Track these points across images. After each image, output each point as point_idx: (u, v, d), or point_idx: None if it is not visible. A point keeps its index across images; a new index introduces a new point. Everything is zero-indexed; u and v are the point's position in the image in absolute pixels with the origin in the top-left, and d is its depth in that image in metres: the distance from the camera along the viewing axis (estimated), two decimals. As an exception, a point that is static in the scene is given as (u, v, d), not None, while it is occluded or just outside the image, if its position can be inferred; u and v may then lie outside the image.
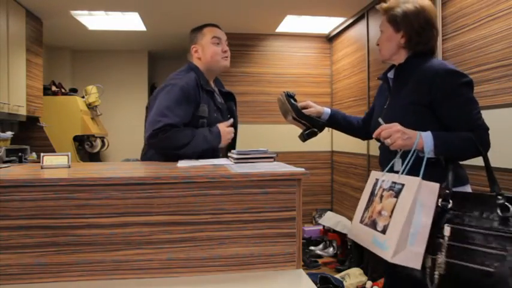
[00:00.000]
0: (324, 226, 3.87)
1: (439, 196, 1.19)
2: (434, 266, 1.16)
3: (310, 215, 4.35)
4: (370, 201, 1.32)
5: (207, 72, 1.91)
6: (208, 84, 1.88)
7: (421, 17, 1.41)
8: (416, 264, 1.14)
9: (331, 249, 3.72)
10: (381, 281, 2.77)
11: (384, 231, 1.19)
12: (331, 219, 3.81)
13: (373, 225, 1.24)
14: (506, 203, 1.11)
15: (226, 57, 1.93)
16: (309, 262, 3.41)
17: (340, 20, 3.88)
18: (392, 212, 1.19)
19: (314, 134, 1.73)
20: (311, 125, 1.73)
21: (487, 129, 1.35)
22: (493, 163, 1.98)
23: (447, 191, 1.20)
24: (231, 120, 1.87)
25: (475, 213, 1.15)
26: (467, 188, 1.44)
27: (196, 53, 1.91)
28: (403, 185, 1.21)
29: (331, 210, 4.34)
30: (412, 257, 1.14)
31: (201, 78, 1.85)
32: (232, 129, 1.84)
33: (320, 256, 3.66)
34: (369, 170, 3.38)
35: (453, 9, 2.36)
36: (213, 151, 1.81)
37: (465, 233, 1.14)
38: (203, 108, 1.81)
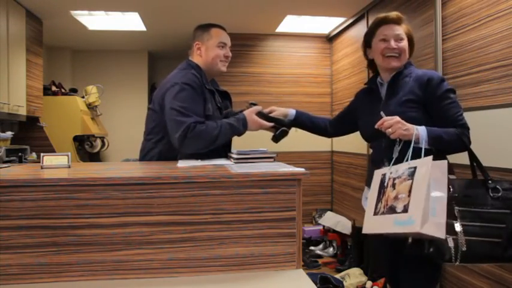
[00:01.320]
0: (324, 226, 3.87)
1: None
2: (457, 245, 1.35)
3: (310, 215, 4.35)
4: (380, 194, 1.46)
5: (205, 72, 1.91)
6: (208, 83, 1.88)
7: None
8: (441, 234, 1.27)
9: (331, 249, 3.72)
10: (381, 281, 2.77)
11: (405, 210, 1.31)
12: (331, 219, 3.81)
13: (391, 210, 1.37)
14: (497, 186, 1.41)
15: (226, 62, 1.94)
16: (309, 262, 3.41)
17: (340, 20, 3.88)
18: (410, 192, 1.33)
19: (285, 133, 1.88)
20: (280, 125, 1.87)
21: (469, 128, 1.59)
22: (493, 163, 2.00)
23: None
24: (259, 107, 1.84)
25: (473, 196, 1.40)
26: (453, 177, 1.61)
27: (198, 50, 1.90)
28: (415, 167, 1.37)
29: (331, 210, 4.34)
30: (436, 227, 1.28)
31: (202, 77, 1.85)
32: (261, 121, 1.81)
33: (320, 256, 3.66)
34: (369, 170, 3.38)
35: (453, 9, 2.36)
36: (223, 148, 1.82)
37: (470, 213, 1.37)
38: (208, 106, 1.81)
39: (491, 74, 2.06)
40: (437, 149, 1.51)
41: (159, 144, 1.80)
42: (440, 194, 1.32)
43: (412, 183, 1.35)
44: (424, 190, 1.29)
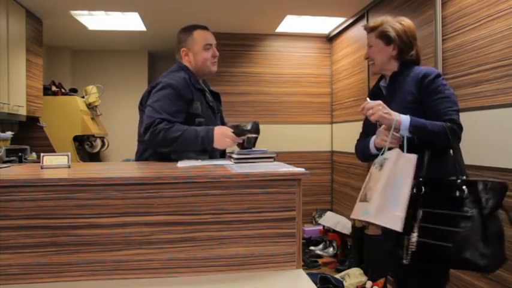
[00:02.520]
0: (324, 226, 3.88)
1: (414, 186, 1.39)
2: (408, 245, 1.38)
3: (310, 215, 4.35)
4: (367, 182, 1.51)
5: (196, 73, 1.93)
6: (198, 83, 1.90)
7: (409, 33, 1.68)
8: (397, 227, 1.30)
9: (331, 249, 3.72)
10: (381, 281, 2.78)
11: (370, 200, 1.38)
12: (331, 219, 3.81)
13: (365, 198, 1.43)
14: (463, 186, 1.35)
15: (215, 62, 1.94)
16: (309, 262, 3.41)
17: (340, 20, 3.88)
18: (377, 182, 1.38)
19: (256, 139, 1.74)
20: (249, 133, 1.71)
21: (460, 125, 1.52)
22: (493, 163, 2.00)
23: (420, 179, 1.41)
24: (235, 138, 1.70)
25: (441, 197, 1.38)
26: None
27: (186, 56, 1.92)
28: (386, 159, 1.41)
29: (331, 210, 4.34)
30: (392, 219, 1.31)
31: (191, 77, 1.86)
32: (231, 134, 1.67)
33: (320, 256, 3.66)
34: (368, 170, 3.38)
35: (453, 9, 2.36)
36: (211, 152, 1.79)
37: (433, 215, 1.37)
38: (196, 105, 1.82)
39: (491, 74, 2.06)
40: (422, 140, 1.48)
41: None
42: (403, 186, 1.33)
43: (380, 174, 1.39)
44: (383, 182, 1.33)
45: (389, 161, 1.39)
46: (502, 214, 1.37)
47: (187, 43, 1.91)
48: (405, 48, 1.67)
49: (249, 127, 1.70)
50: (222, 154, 1.89)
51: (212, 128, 1.70)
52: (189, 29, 1.93)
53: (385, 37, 1.68)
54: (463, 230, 1.31)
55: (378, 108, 1.48)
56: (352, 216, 1.51)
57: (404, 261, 1.40)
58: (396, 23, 1.69)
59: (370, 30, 1.74)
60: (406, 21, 1.70)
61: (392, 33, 1.66)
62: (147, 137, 1.68)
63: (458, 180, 1.37)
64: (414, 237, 1.37)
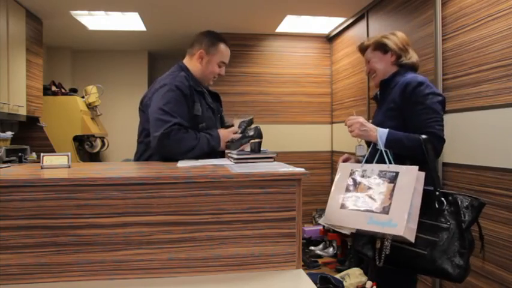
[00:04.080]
0: (324, 226, 3.87)
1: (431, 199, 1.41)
2: (382, 247, 1.42)
3: (310, 215, 4.35)
4: (349, 190, 1.49)
5: (196, 76, 1.93)
6: (198, 85, 1.90)
7: (401, 39, 1.74)
8: (412, 238, 1.33)
9: (331, 249, 3.72)
10: (381, 281, 2.77)
11: (385, 212, 1.34)
12: (331, 219, 3.80)
13: (370, 208, 1.40)
14: (442, 198, 1.40)
15: (216, 79, 1.99)
16: (309, 262, 3.41)
17: (340, 20, 3.88)
18: (391, 195, 1.36)
19: (260, 143, 1.73)
20: (252, 138, 1.72)
21: (440, 137, 1.53)
22: (493, 163, 2.00)
23: (437, 193, 1.42)
24: (234, 128, 1.84)
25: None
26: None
27: (200, 58, 1.91)
28: (396, 172, 1.40)
29: (331, 210, 4.34)
30: (410, 232, 1.32)
31: (191, 78, 1.87)
32: (231, 134, 1.81)
33: (320, 256, 3.66)
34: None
35: (453, 9, 2.36)
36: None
37: None
38: (197, 106, 1.83)
39: (491, 74, 2.06)
40: (398, 154, 1.51)
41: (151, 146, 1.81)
42: (416, 202, 1.35)
43: (393, 187, 1.38)
44: (410, 198, 1.33)
45: (406, 176, 1.37)
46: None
47: (210, 49, 1.91)
48: (401, 53, 1.72)
49: (251, 133, 1.71)
50: (222, 154, 1.89)
51: (217, 135, 1.79)
52: (217, 38, 1.93)
53: (381, 46, 1.74)
54: (440, 240, 1.35)
55: (356, 127, 1.56)
56: (343, 224, 1.45)
57: (377, 263, 1.43)
58: (389, 34, 1.75)
59: (365, 48, 1.81)
60: (398, 32, 1.77)
61: (388, 42, 1.72)
62: (166, 143, 1.66)
63: (437, 192, 1.42)
64: (388, 241, 1.40)
